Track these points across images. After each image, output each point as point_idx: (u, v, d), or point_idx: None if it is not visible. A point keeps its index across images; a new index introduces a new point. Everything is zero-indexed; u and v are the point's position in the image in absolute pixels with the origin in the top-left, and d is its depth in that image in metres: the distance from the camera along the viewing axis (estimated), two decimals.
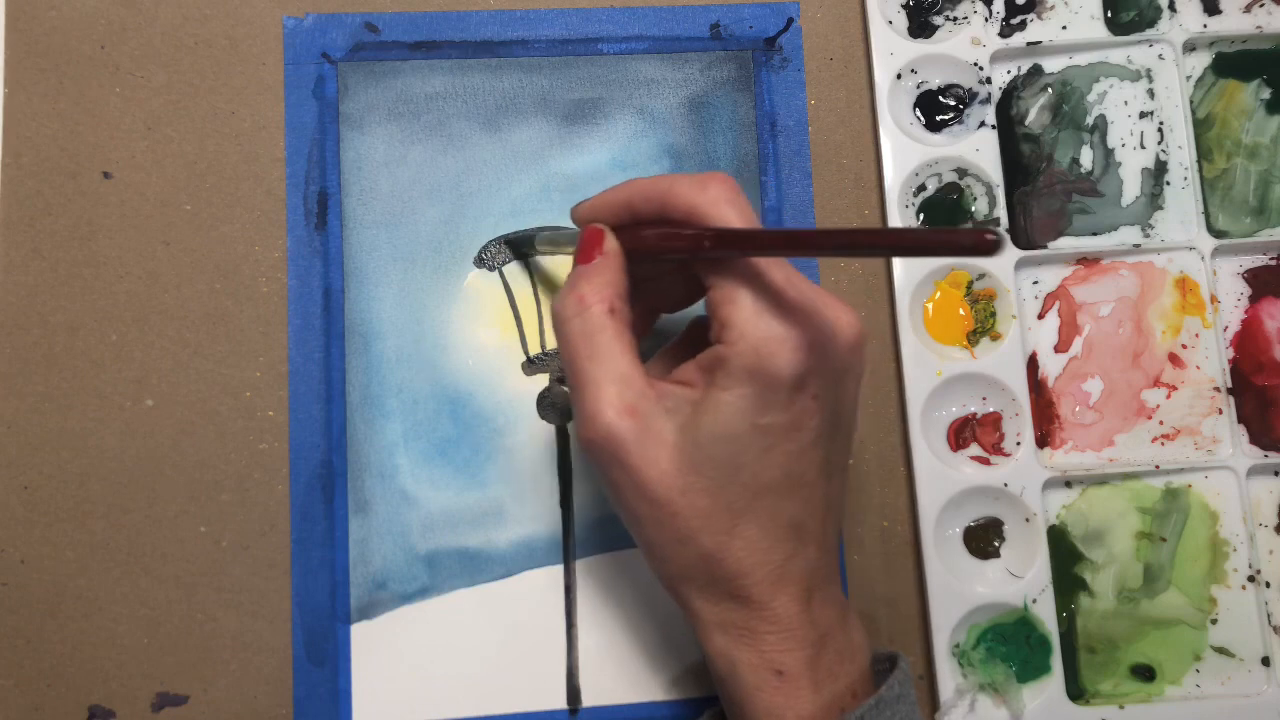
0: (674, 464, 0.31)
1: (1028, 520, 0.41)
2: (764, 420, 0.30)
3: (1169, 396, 0.43)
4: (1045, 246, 0.43)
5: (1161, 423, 0.43)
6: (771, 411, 0.30)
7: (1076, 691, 0.40)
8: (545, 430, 0.41)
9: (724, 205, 0.31)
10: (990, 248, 0.24)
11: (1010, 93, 0.44)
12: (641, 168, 0.43)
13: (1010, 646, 0.40)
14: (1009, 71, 0.44)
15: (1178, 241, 0.43)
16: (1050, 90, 0.44)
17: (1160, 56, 0.44)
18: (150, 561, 0.39)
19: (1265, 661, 0.41)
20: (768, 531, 0.31)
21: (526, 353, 0.42)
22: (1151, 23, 0.45)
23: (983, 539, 0.41)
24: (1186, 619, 0.41)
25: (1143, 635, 0.41)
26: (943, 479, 0.41)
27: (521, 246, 0.42)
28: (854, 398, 0.33)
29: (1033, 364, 0.43)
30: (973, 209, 0.43)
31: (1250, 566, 0.41)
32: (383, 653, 0.39)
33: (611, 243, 0.34)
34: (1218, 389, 0.43)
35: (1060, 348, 0.43)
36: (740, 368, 0.30)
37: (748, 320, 0.30)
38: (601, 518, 0.41)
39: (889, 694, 0.32)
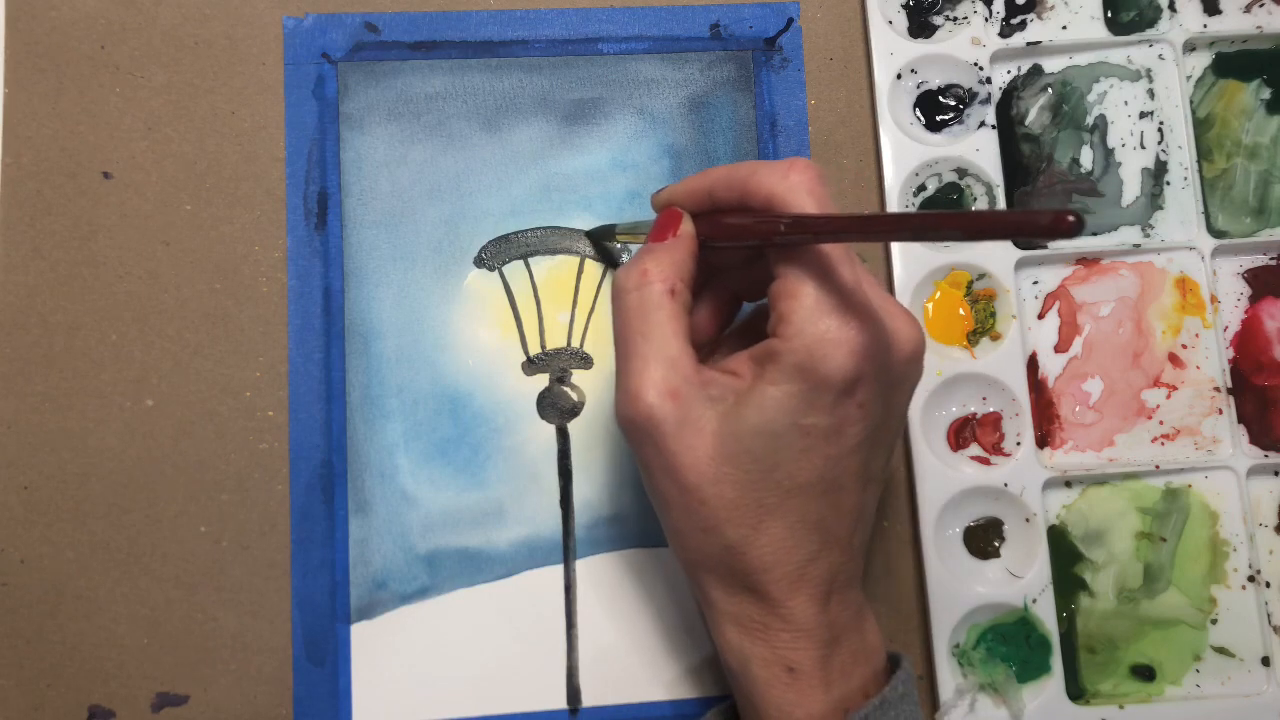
0: (709, 452, 0.31)
1: (1028, 520, 0.41)
2: (807, 420, 0.30)
3: (1169, 396, 0.43)
4: (1045, 246, 0.43)
5: (1161, 423, 0.43)
6: (816, 413, 0.30)
7: (1076, 691, 0.40)
8: (545, 430, 0.41)
9: (803, 194, 0.31)
10: (1070, 229, 0.22)
11: (1010, 93, 0.44)
12: (641, 168, 0.43)
13: (1010, 646, 0.40)
14: (1009, 71, 0.44)
15: (1178, 241, 0.43)
16: (1050, 90, 0.44)
17: (1160, 56, 0.44)
18: (150, 561, 0.39)
19: (1265, 661, 0.41)
20: (794, 531, 0.31)
21: (526, 353, 0.42)
22: (1151, 23, 0.45)
23: (983, 539, 0.41)
24: (1186, 619, 0.41)
25: (1143, 635, 0.41)
26: (943, 479, 0.41)
27: (602, 237, 0.42)
28: (903, 410, 0.33)
29: (1033, 364, 0.43)
30: (972, 209, 0.43)
31: (1250, 566, 0.41)
32: (383, 653, 0.39)
33: (687, 226, 0.34)
34: (1218, 389, 0.43)
35: (1060, 348, 0.43)
36: (791, 364, 0.30)
37: (806, 318, 0.30)
38: (601, 518, 0.41)
39: (893, 694, 0.32)
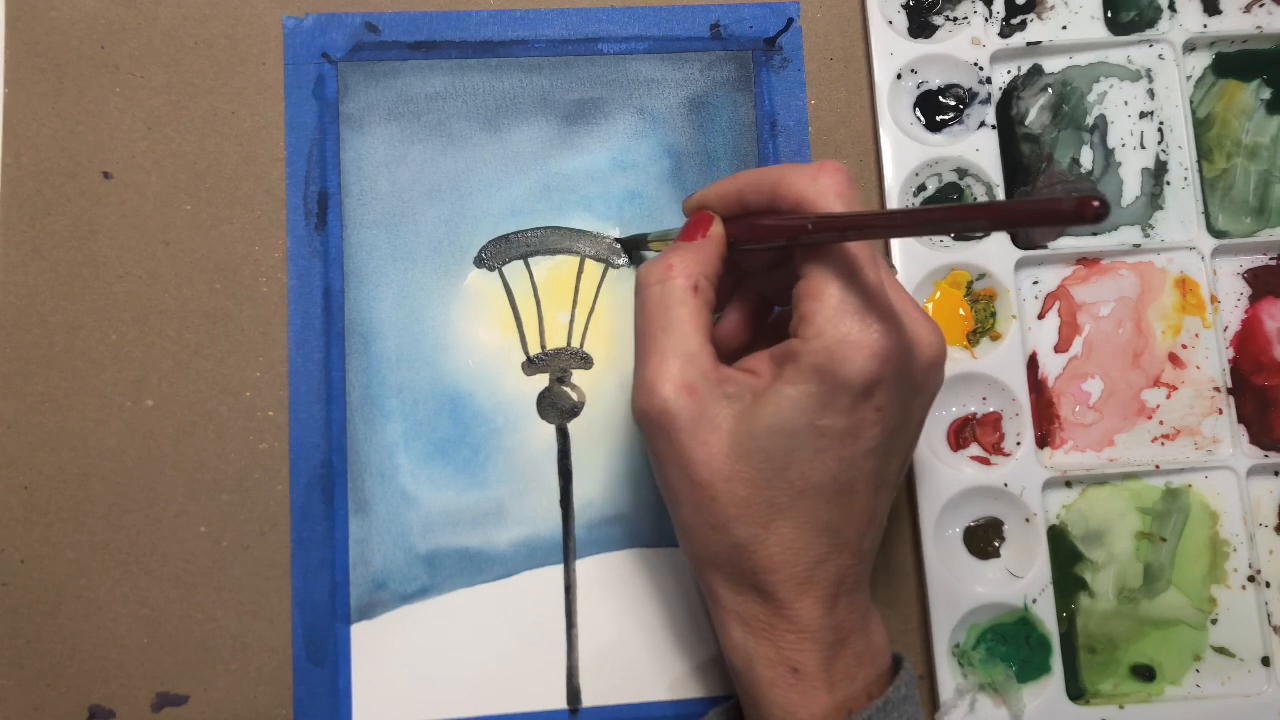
0: (723, 449, 0.31)
1: (1028, 520, 0.41)
2: (823, 422, 0.30)
3: (1169, 396, 0.43)
4: (1045, 246, 0.43)
5: (1161, 423, 0.43)
6: (832, 414, 0.30)
7: (1076, 691, 0.41)
8: (545, 430, 0.41)
9: (832, 196, 0.31)
10: (1096, 215, 0.22)
11: (1010, 93, 0.44)
12: (641, 168, 0.43)
13: (1010, 646, 0.40)
14: (1009, 71, 0.44)
15: (1178, 241, 0.43)
16: (1050, 90, 0.44)
17: (1160, 56, 0.44)
18: (150, 561, 0.39)
19: (1265, 661, 0.41)
20: (804, 532, 0.31)
21: (526, 353, 0.42)
22: (1151, 23, 0.45)
23: (983, 539, 0.41)
24: (1186, 619, 0.41)
25: (1143, 635, 0.41)
26: (943, 479, 0.41)
27: (634, 246, 0.42)
28: (920, 417, 0.33)
29: (1033, 364, 0.43)
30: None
31: (1250, 566, 0.41)
32: (383, 653, 0.39)
33: (716, 228, 0.34)
34: (1218, 389, 0.43)
35: (1060, 348, 0.43)
36: (810, 365, 0.30)
37: (828, 319, 0.30)
38: (602, 518, 0.41)
39: (895, 695, 0.32)
